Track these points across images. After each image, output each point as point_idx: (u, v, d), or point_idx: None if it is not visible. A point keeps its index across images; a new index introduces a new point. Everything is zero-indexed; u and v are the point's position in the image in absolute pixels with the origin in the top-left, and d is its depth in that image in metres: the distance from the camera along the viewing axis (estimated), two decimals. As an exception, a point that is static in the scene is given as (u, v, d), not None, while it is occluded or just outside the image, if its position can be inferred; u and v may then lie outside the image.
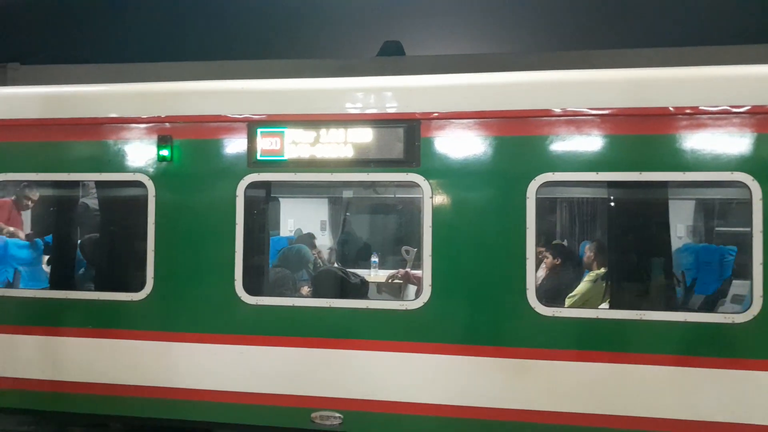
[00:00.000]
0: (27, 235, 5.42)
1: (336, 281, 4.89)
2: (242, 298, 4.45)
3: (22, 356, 4.76)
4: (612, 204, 4.51)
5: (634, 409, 3.99)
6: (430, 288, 4.21)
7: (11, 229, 5.17)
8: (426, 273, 4.24)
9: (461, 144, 4.29)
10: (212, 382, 4.48)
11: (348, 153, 4.41)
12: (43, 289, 4.96)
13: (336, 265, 5.24)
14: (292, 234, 5.51)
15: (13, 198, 5.41)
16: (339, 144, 4.42)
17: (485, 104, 4.28)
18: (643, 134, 4.11)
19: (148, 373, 4.59)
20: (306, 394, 4.34)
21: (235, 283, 4.45)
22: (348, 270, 5.00)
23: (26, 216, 5.94)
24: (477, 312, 4.20)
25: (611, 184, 4.39)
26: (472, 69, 4.67)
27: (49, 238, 5.65)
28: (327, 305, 4.40)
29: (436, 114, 4.32)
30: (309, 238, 5.46)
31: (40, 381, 4.73)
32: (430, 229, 4.24)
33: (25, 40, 11.28)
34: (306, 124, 4.47)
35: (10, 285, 4.96)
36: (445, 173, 4.28)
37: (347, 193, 5.25)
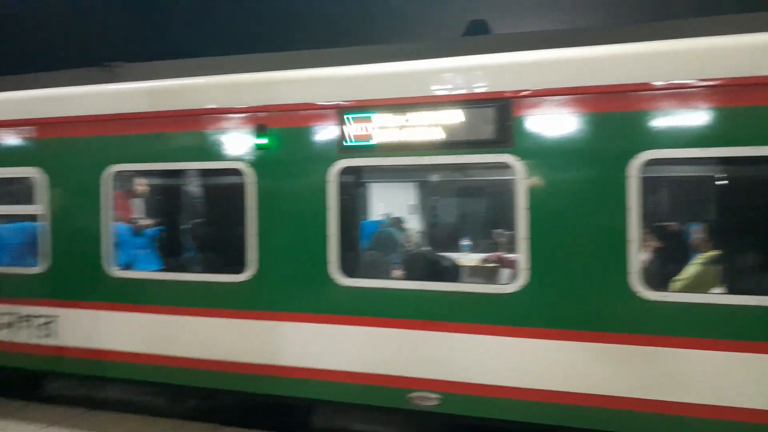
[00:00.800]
0: (141, 222, 5.88)
1: (428, 264, 4.93)
2: (337, 280, 4.60)
3: (139, 332, 5.20)
4: (724, 182, 4.21)
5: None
6: (527, 272, 4.15)
7: (131, 216, 5.61)
8: (522, 256, 4.18)
9: (556, 122, 4.17)
10: (311, 360, 4.70)
11: (436, 135, 4.42)
12: (157, 271, 5.36)
13: (426, 248, 5.28)
14: (382, 218, 5.60)
15: (126, 187, 5.86)
16: (427, 127, 4.44)
17: (582, 79, 4.12)
18: (760, 105, 3.79)
19: (251, 350, 4.88)
20: (403, 375, 4.43)
21: (330, 265, 4.62)
22: (439, 253, 5.02)
23: (138, 203, 6.43)
24: (577, 296, 4.10)
25: (723, 161, 4.09)
26: (562, 44, 4.50)
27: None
28: (420, 288, 4.46)
29: (528, 92, 4.21)
30: (398, 222, 5.53)
31: (156, 355, 5.14)
32: (525, 212, 4.17)
33: (129, 40, 12.17)
34: (394, 108, 4.52)
35: (127, 268, 5.40)
36: (540, 153, 4.18)
37: (436, 177, 5.25)
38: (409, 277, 4.93)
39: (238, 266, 4.93)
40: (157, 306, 5.15)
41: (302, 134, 4.80)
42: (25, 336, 5.54)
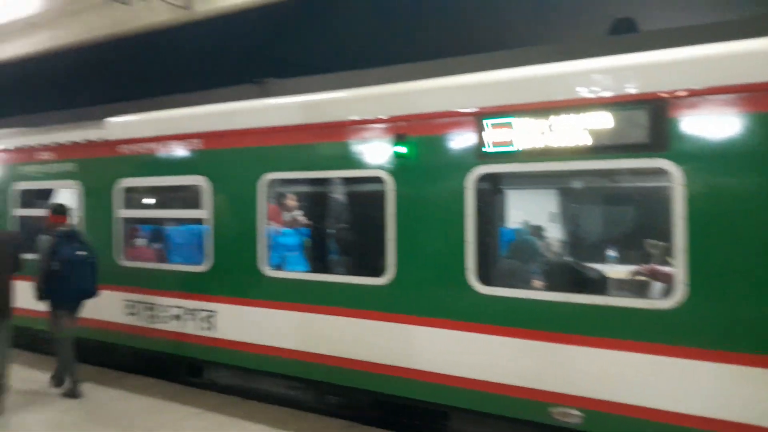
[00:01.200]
0: (291, 226, 6.35)
1: (572, 275, 4.75)
2: (475, 288, 4.61)
3: (287, 328, 5.60)
4: None
5: None
6: (686, 286, 3.84)
7: (283, 220, 6.08)
8: (680, 269, 3.88)
9: (718, 123, 3.82)
10: (448, 367, 4.73)
11: (582, 140, 4.26)
12: (304, 272, 5.75)
13: (569, 258, 5.09)
14: (520, 226, 5.50)
15: (278, 194, 6.36)
16: (572, 131, 4.29)
17: (747, 75, 3.73)
18: None
19: (388, 352, 5.03)
20: (544, 388, 4.31)
21: (468, 272, 4.63)
22: (584, 264, 4.81)
23: (289, 209, 6.94)
24: (748, 315, 3.71)
25: None
26: (719, 38, 4.09)
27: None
28: (565, 299, 4.31)
29: (686, 91, 3.90)
30: (538, 231, 5.39)
31: (301, 351, 5.50)
32: (683, 221, 3.86)
33: (279, 57, 13.18)
34: (536, 113, 4.43)
35: (278, 268, 5.86)
36: (700, 157, 3.86)
37: (580, 183, 5.04)
38: (551, 287, 4.78)
39: (378, 270, 5.13)
40: (304, 305, 5.52)
41: (440, 142, 4.88)
42: (191, 327, 6.23)
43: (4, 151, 8.10)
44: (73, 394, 6.03)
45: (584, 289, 4.43)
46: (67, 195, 7.67)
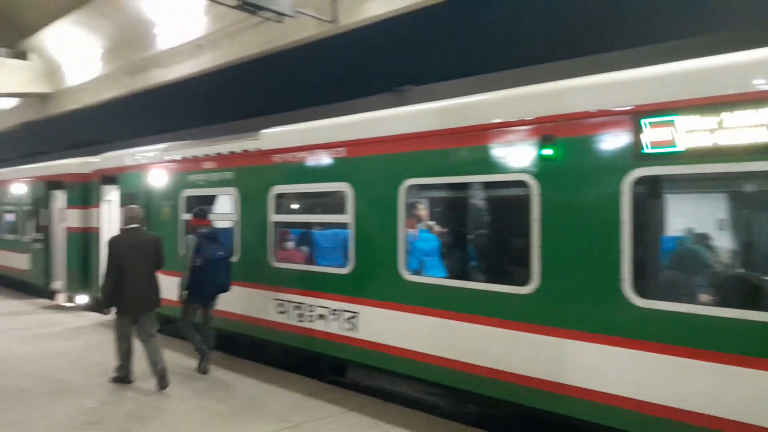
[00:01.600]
0: (431, 231, 6.42)
1: (747, 289, 4.25)
2: (631, 300, 4.31)
3: (425, 333, 5.66)
4: None
5: None
6: None
7: (422, 226, 6.18)
8: None
9: None
10: (599, 383, 4.48)
11: (759, 138, 3.80)
12: (443, 278, 5.78)
13: (742, 270, 4.55)
14: (683, 234, 5.04)
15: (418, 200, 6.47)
16: (748, 128, 3.85)
17: None
18: None
19: (532, 363, 4.87)
20: (716, 415, 3.91)
21: (623, 283, 4.35)
22: (764, 277, 4.28)
23: (428, 215, 7.04)
24: None
25: None
26: None
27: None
28: (739, 316, 3.87)
29: None
30: (704, 239, 4.89)
31: (438, 357, 5.53)
32: None
33: (417, 65, 13.47)
34: (703, 109, 4.05)
35: (417, 273, 5.95)
36: None
37: (755, 186, 4.50)
38: (722, 302, 4.33)
39: (521, 278, 5.00)
40: (443, 310, 5.54)
41: (591, 143, 4.65)
42: (335, 327, 6.54)
43: (174, 162, 9.13)
44: (204, 370, 7.03)
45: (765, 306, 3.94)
46: (227, 201, 8.46)
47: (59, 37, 14.43)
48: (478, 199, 6.11)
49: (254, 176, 7.73)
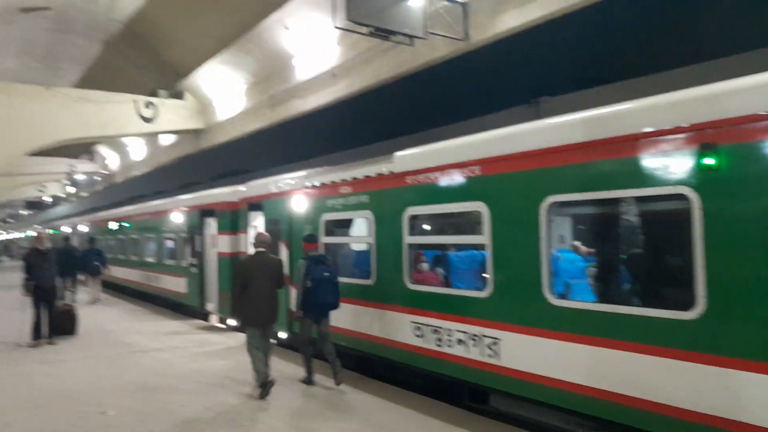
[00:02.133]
0: (578, 251, 6.15)
1: None
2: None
3: (572, 362, 5.38)
4: None
5: None
6: None
7: (569, 246, 5.94)
8: None
9: None
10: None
11: None
12: (592, 302, 5.47)
13: None
14: None
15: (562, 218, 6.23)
16: None
17: None
18: None
19: (702, 397, 4.42)
20: None
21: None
22: None
23: (574, 233, 6.76)
24: None
25: None
26: None
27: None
28: None
29: None
30: None
31: (589, 387, 5.21)
32: None
33: (552, 75, 13.06)
34: None
35: (562, 297, 5.70)
36: None
37: None
38: None
39: (682, 302, 4.58)
40: (592, 337, 5.24)
41: (761, 149, 4.17)
42: (474, 352, 6.44)
43: (313, 187, 9.66)
44: (312, 379, 7.87)
45: None
46: (363, 223, 8.76)
47: (209, 77, 16.08)
48: (629, 215, 5.73)
49: (388, 198, 7.92)
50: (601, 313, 5.23)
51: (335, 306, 7.82)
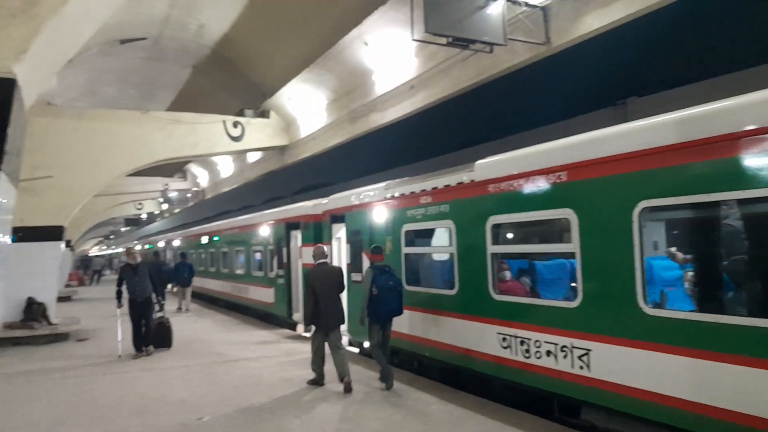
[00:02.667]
0: (675, 258, 5.84)
1: None
2: None
3: (670, 375, 5.09)
4: None
5: None
6: None
7: (665, 253, 5.64)
8: None
9: None
10: None
11: None
12: (689, 311, 5.16)
13: None
14: None
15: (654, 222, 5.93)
16: None
17: None
18: None
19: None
20: None
21: None
22: None
23: (670, 238, 6.43)
24: None
25: None
26: None
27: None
28: None
29: None
30: None
31: (691, 402, 4.91)
32: None
33: (639, 75, 12.53)
34: None
35: (657, 306, 5.41)
36: None
37: None
38: None
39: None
40: (692, 349, 4.94)
41: None
42: (566, 365, 6.23)
43: (393, 198, 9.75)
44: (387, 383, 8.20)
45: None
46: (443, 233, 8.74)
47: (293, 95, 16.65)
48: (731, 219, 5.37)
49: (470, 208, 7.86)
50: (703, 324, 4.91)
51: (399, 312, 8.34)
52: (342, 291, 8.62)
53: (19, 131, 3.38)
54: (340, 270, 8.87)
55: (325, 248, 8.96)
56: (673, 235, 6.46)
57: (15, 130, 3.19)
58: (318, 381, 8.54)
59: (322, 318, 8.30)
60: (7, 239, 3.41)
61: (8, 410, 7.74)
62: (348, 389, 7.98)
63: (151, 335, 11.78)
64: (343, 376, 8.08)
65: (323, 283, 8.35)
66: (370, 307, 8.25)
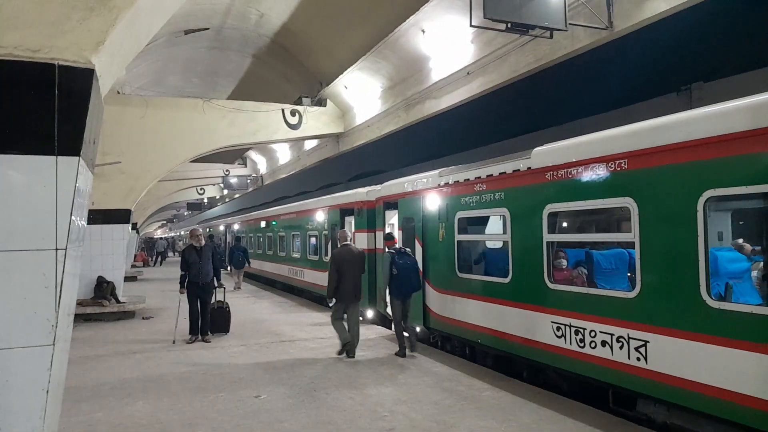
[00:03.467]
0: (742, 249, 5.59)
1: None
2: None
3: (734, 370, 4.90)
4: None
5: None
6: None
7: (735, 243, 5.41)
8: None
9: None
10: None
11: None
12: (758, 305, 4.94)
13: None
14: None
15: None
16: None
17: None
18: None
19: None
20: None
21: None
22: None
23: (738, 228, 6.17)
24: None
25: None
26: None
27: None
28: None
29: None
30: None
31: (753, 398, 4.71)
32: None
33: (705, 60, 11.98)
34: None
35: (721, 298, 5.21)
36: None
37: None
38: None
39: None
40: (759, 344, 4.73)
41: None
42: (619, 355, 6.09)
43: (447, 185, 9.70)
44: (404, 352, 9.48)
45: None
46: (497, 221, 8.64)
47: (349, 83, 16.73)
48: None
49: (526, 196, 7.74)
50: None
51: (418, 288, 9.64)
52: (363, 272, 9.74)
53: (96, 120, 3.55)
54: (362, 252, 9.99)
55: (349, 233, 10.40)
56: (740, 225, 6.19)
57: (92, 119, 3.35)
58: (345, 347, 9.48)
59: (344, 293, 9.41)
60: (85, 222, 3.63)
61: (80, 380, 8.22)
62: (352, 355, 9.39)
63: (210, 320, 11.44)
64: (353, 346, 9.45)
65: (347, 262, 9.45)
66: (392, 285, 9.37)
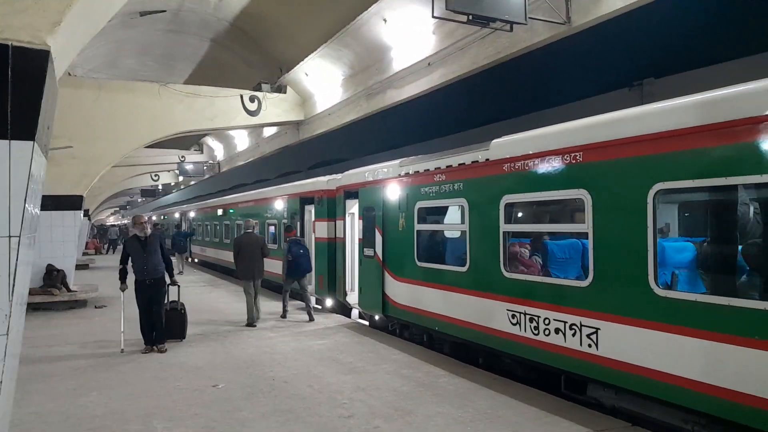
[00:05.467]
0: (685, 240, 5.85)
1: None
2: None
3: (678, 355, 5.14)
4: None
5: None
6: None
7: (676, 233, 5.62)
8: None
9: None
10: None
11: None
12: (702, 294, 5.19)
13: None
14: None
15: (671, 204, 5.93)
16: None
17: None
18: None
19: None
20: None
21: None
22: None
23: (683, 221, 6.44)
24: None
25: None
26: None
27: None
28: None
29: None
30: None
31: (703, 384, 4.98)
32: None
33: (658, 56, 12.37)
34: None
35: (668, 287, 5.45)
36: None
37: None
38: None
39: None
40: (703, 330, 4.99)
41: None
42: (571, 342, 6.32)
43: (407, 176, 9.78)
44: (285, 315, 12.73)
45: None
46: (456, 211, 8.78)
47: (310, 71, 16.56)
48: (749, 202, 5.36)
49: (484, 186, 7.88)
50: (713, 306, 4.96)
51: (309, 270, 12.73)
52: (265, 255, 12.19)
53: (51, 103, 3.45)
54: (261, 239, 12.88)
55: (253, 222, 12.80)
56: (685, 217, 6.47)
57: (47, 102, 3.26)
58: (251, 320, 11.74)
59: (246, 271, 11.97)
60: (38, 210, 3.49)
61: (30, 371, 7.98)
62: (253, 324, 11.63)
63: (162, 327, 9.42)
64: (256, 316, 11.84)
65: (248, 245, 12.05)
66: (288, 268, 12.19)
